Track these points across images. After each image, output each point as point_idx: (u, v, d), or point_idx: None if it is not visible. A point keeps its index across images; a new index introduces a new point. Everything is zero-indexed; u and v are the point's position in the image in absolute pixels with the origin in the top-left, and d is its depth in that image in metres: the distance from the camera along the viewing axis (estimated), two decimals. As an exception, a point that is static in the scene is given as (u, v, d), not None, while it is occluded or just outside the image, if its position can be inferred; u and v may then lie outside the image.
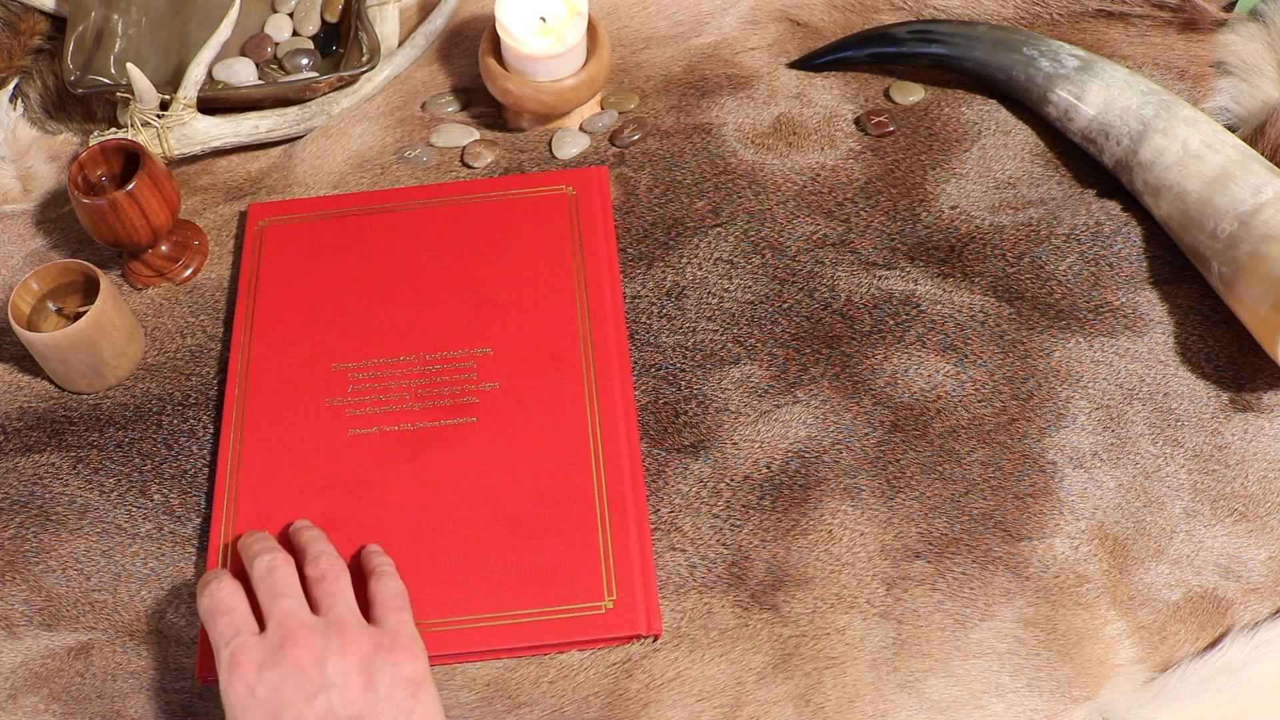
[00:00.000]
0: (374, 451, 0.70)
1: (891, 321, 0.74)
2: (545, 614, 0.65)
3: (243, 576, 0.63)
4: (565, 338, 0.73)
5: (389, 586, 0.64)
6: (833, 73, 0.87)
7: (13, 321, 0.70)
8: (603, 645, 0.65)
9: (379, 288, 0.77)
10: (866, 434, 0.71)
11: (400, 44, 0.89)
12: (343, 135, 0.84)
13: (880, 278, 0.76)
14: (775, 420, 0.71)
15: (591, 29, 0.82)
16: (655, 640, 0.65)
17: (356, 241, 0.78)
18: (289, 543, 0.67)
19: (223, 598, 0.61)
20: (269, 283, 0.77)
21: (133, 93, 0.79)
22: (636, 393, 0.72)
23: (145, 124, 0.80)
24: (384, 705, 0.58)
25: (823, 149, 0.83)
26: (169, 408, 0.73)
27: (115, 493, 0.70)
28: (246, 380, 0.73)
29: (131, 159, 0.75)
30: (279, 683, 0.57)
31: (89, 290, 0.72)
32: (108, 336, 0.71)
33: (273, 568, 0.62)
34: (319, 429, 0.71)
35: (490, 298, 0.76)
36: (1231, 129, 0.81)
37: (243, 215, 0.81)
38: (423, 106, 0.86)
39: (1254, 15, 0.87)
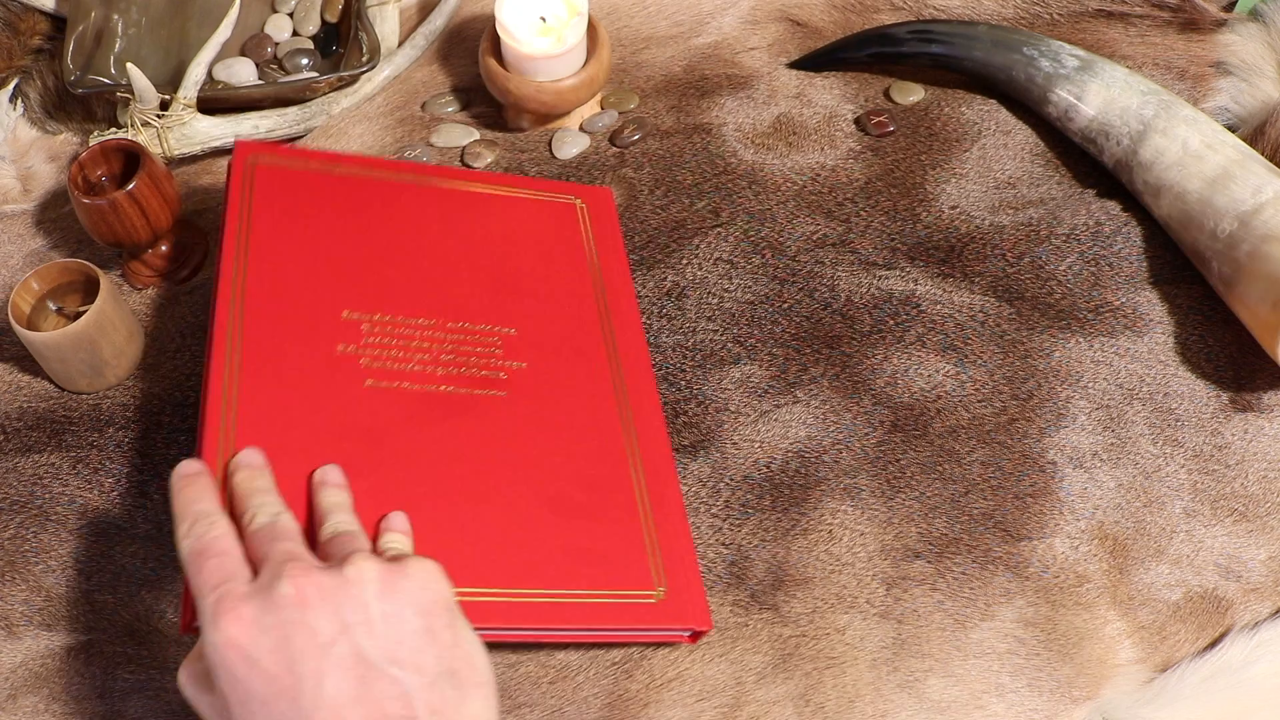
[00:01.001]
0: (398, 406, 0.64)
1: (891, 321, 0.74)
2: (593, 597, 0.59)
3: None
4: (588, 336, 0.71)
5: (389, 540, 0.56)
6: (833, 73, 0.87)
7: (13, 321, 0.70)
8: (653, 640, 0.63)
9: (389, 248, 0.71)
10: (866, 434, 0.71)
11: (400, 44, 0.89)
12: (343, 135, 0.84)
13: (880, 278, 0.76)
14: (775, 420, 0.71)
15: (591, 29, 0.82)
16: (704, 636, 0.63)
17: (362, 201, 0.73)
18: (309, 496, 0.58)
19: (213, 539, 0.49)
20: (263, 221, 0.69)
21: (133, 93, 0.79)
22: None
23: (145, 124, 0.80)
24: (421, 639, 0.47)
25: (823, 149, 0.82)
26: (169, 408, 0.73)
27: (115, 493, 0.70)
28: (240, 315, 0.65)
29: (131, 159, 0.75)
30: (284, 630, 0.46)
31: (89, 290, 0.72)
32: (108, 336, 0.71)
33: (276, 516, 0.52)
34: (330, 375, 0.64)
35: (509, 284, 0.72)
36: (1231, 129, 0.81)
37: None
38: (423, 106, 0.86)
39: (1254, 15, 0.87)
